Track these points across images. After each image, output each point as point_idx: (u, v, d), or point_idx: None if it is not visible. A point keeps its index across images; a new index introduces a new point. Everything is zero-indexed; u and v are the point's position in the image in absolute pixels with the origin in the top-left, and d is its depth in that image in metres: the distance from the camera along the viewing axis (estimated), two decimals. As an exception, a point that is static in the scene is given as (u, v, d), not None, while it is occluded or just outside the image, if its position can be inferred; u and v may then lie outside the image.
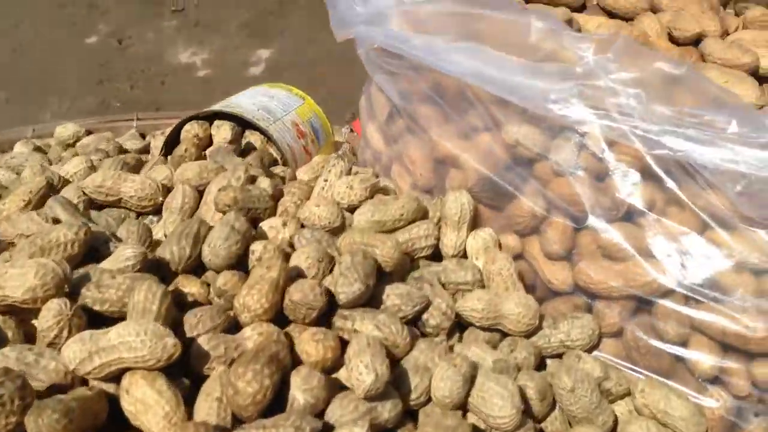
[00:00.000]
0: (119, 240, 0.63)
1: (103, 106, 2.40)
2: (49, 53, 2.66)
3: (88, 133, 1.00)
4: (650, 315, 0.70)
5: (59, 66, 2.60)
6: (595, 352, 0.72)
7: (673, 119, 0.66)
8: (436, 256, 0.74)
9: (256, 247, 0.61)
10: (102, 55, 2.69)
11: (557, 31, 0.71)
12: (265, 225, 0.67)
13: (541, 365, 0.70)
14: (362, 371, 0.51)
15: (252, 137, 0.91)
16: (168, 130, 0.90)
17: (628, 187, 0.70)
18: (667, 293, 0.69)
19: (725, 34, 0.89)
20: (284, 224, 0.66)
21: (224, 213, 0.65)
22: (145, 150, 0.97)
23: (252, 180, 0.71)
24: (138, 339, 0.47)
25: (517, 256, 0.76)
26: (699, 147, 0.65)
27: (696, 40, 0.84)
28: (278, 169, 0.84)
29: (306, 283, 0.56)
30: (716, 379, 0.69)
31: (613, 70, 0.68)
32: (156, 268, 0.58)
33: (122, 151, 0.93)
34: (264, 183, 0.71)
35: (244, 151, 0.89)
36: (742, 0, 1.01)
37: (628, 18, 0.88)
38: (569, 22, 0.84)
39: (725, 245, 0.68)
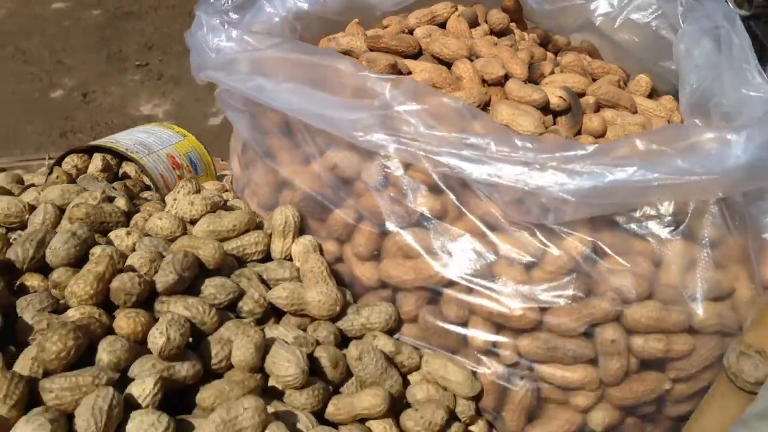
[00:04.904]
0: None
1: (62, 155, 2.57)
2: (13, 107, 2.85)
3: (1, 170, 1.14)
4: (438, 302, 0.85)
5: (23, 119, 2.78)
6: (396, 335, 0.86)
7: (450, 142, 0.82)
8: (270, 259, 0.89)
9: (95, 250, 0.76)
10: (66, 109, 2.88)
11: (361, 74, 0.87)
12: (111, 235, 0.82)
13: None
14: (156, 335, 0.66)
15: (128, 167, 1.07)
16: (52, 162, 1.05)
17: (419, 199, 0.86)
18: (450, 284, 0.84)
19: (541, 76, 1.06)
20: (128, 233, 0.81)
21: (78, 225, 0.80)
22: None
23: (110, 200, 0.87)
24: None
25: (338, 260, 0.91)
26: (470, 165, 0.81)
27: (502, 82, 1.01)
28: (147, 194, 0.99)
29: (126, 275, 0.71)
30: (489, 352, 0.83)
31: (404, 104, 0.84)
32: (5, 267, 0.74)
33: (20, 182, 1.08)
34: (120, 202, 0.87)
35: (121, 179, 1.04)
36: (564, 49, 1.19)
37: (449, 63, 1.05)
38: (394, 66, 1.01)
39: (494, 244, 0.83)
